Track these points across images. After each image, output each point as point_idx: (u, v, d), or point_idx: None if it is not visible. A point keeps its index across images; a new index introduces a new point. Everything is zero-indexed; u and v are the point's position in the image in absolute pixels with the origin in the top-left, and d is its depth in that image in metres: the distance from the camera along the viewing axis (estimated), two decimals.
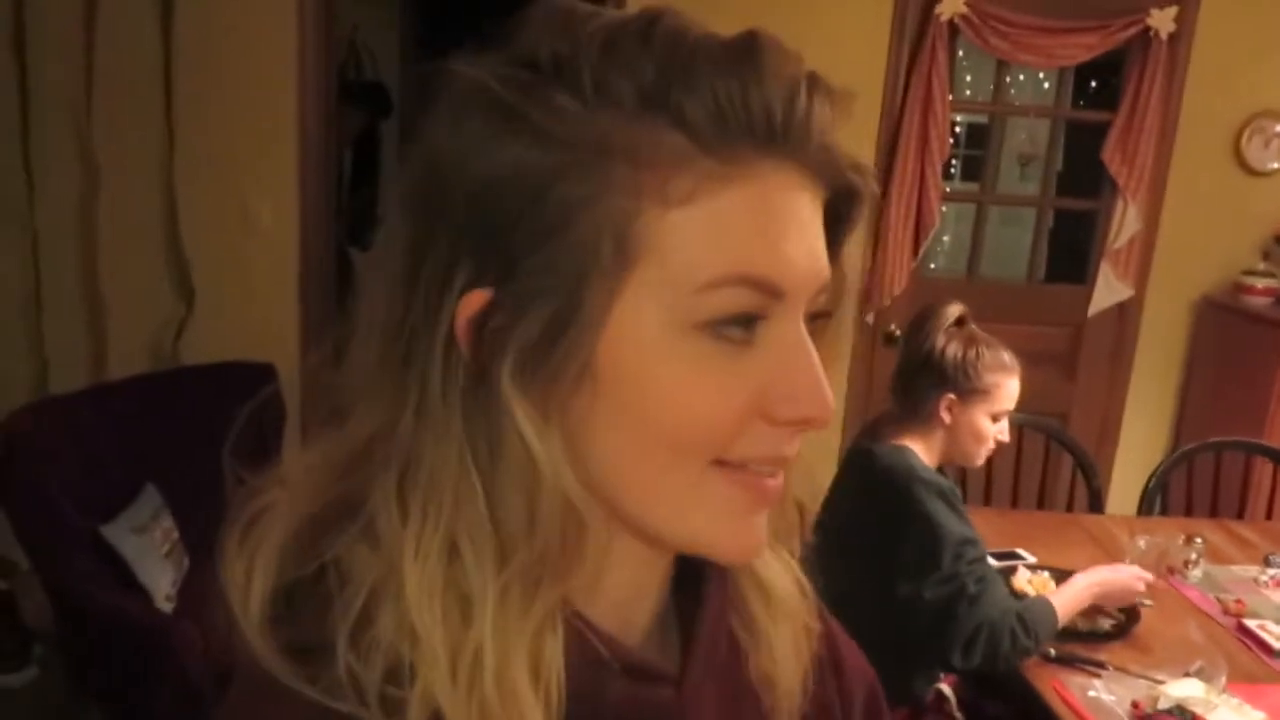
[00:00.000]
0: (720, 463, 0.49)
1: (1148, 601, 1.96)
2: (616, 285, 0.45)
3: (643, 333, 0.46)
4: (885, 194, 3.47)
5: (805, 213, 0.49)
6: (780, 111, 0.46)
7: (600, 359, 0.46)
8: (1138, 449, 3.73)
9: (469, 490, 0.46)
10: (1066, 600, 1.80)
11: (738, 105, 0.45)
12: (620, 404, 0.47)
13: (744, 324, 0.47)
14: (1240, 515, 2.76)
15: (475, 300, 0.46)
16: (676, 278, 0.45)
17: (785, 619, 0.60)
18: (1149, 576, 1.92)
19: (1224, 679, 1.64)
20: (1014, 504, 2.77)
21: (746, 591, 0.60)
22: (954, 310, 1.93)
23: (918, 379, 1.92)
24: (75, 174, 3.12)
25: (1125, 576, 1.88)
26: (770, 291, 0.47)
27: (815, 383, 0.49)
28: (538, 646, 0.47)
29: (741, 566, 0.59)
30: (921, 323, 1.94)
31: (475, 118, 0.46)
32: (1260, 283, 3.48)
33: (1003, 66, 3.65)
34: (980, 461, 1.96)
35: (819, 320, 0.52)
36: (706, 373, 0.47)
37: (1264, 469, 2.83)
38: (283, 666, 0.45)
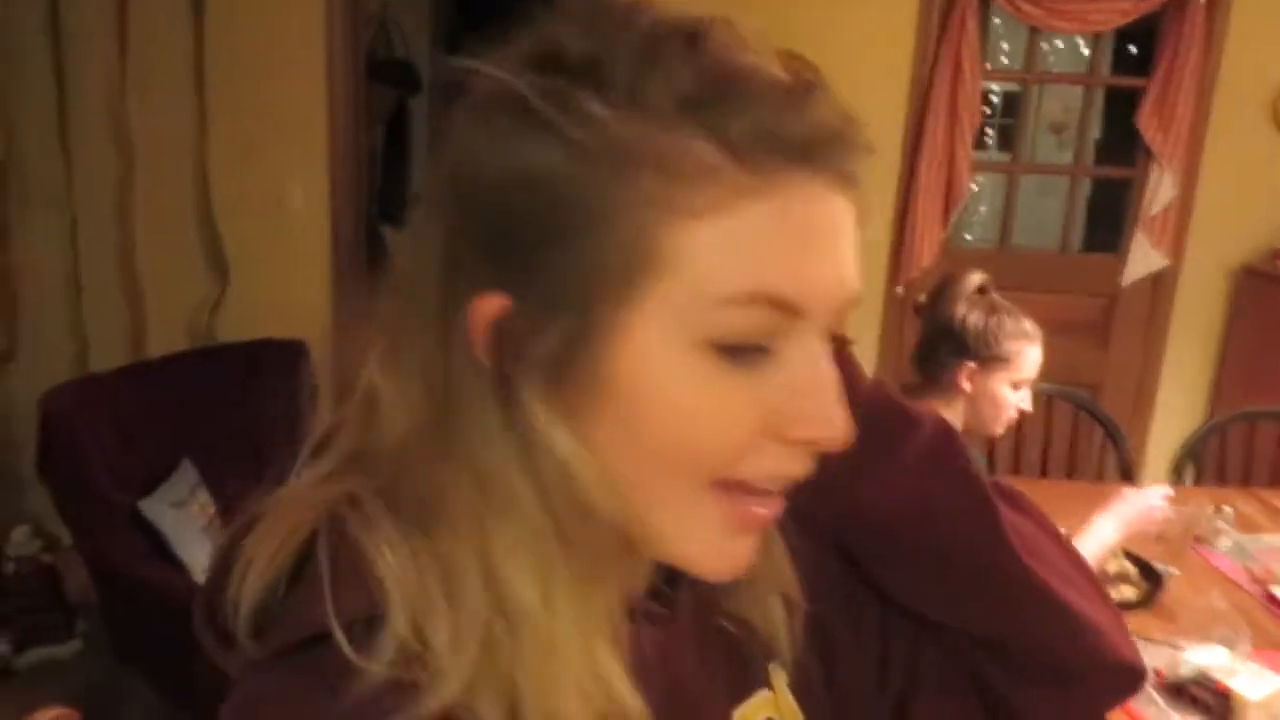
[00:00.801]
0: (719, 483, 0.48)
1: (1175, 570, 1.94)
2: (635, 296, 0.45)
3: (656, 347, 0.45)
4: (914, 166, 3.45)
5: (834, 222, 0.47)
6: (818, 137, 0.46)
7: (614, 371, 0.46)
8: (1173, 419, 3.69)
9: (513, 489, 0.47)
10: (1093, 543, 1.76)
11: (783, 129, 0.44)
12: (628, 418, 0.46)
13: (758, 344, 0.46)
14: (1273, 484, 2.72)
15: (493, 304, 0.46)
16: (694, 292, 0.44)
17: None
18: (1169, 491, 1.88)
19: (1248, 646, 1.63)
20: (1043, 474, 2.76)
21: None
22: (975, 278, 1.92)
23: (938, 347, 1.91)
24: (111, 157, 3.18)
25: (1142, 501, 1.83)
26: (789, 310, 0.46)
27: (829, 404, 0.47)
28: (605, 633, 0.48)
29: None
30: (942, 291, 1.94)
31: (500, 120, 0.45)
32: None
33: (1035, 33, 3.60)
34: (1001, 430, 1.96)
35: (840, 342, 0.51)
36: (716, 394, 0.46)
37: None
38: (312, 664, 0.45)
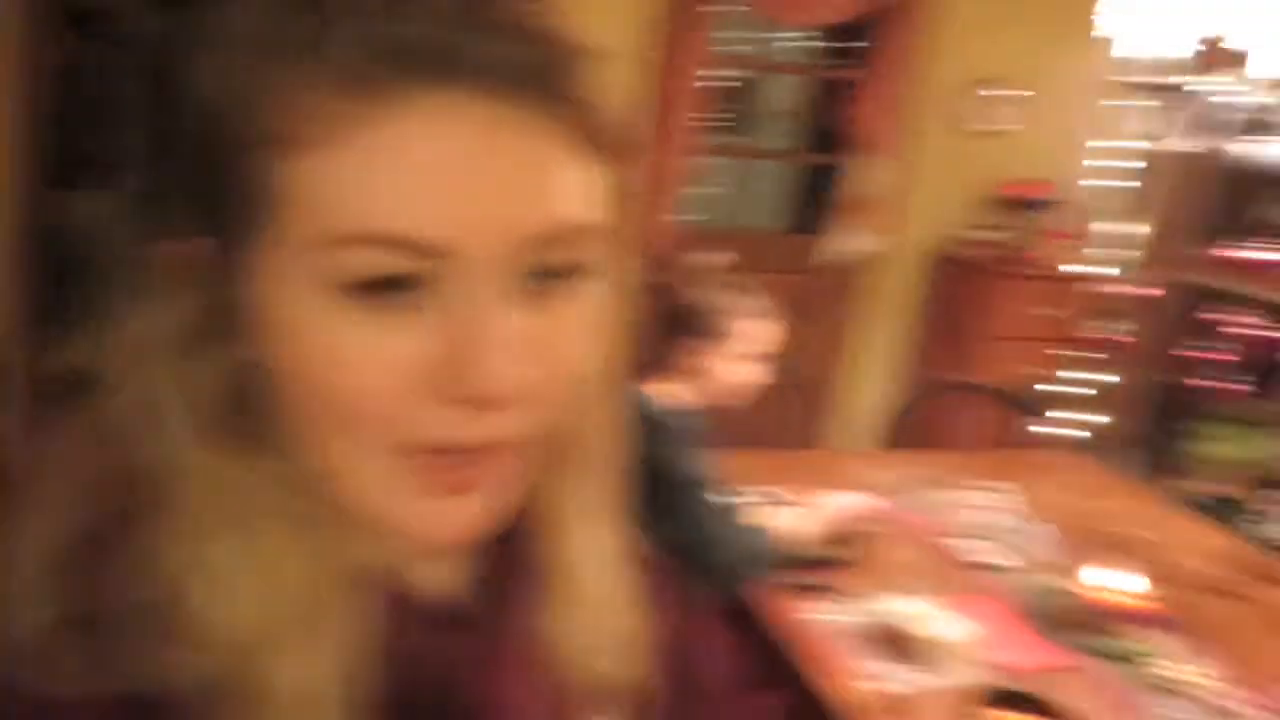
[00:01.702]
0: (405, 449, 0.44)
1: (875, 528, 2.10)
2: (262, 237, 0.43)
3: (292, 292, 0.42)
4: (645, 147, 3.51)
5: (485, 140, 0.42)
6: (425, 42, 0.41)
7: (261, 316, 0.44)
8: (871, 390, 4.00)
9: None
10: (795, 533, 1.91)
11: (378, 41, 0.41)
12: (283, 364, 0.44)
13: (389, 289, 0.42)
14: (958, 448, 3.01)
15: (200, 245, 0.46)
16: (310, 233, 0.42)
17: (580, 604, 0.57)
18: (874, 503, 2.06)
19: (942, 595, 1.79)
20: (759, 445, 2.89)
21: (552, 564, 0.57)
22: (705, 258, 1.98)
23: (670, 326, 1.95)
24: None
25: (849, 504, 2.01)
26: (421, 251, 0.41)
27: (483, 355, 0.42)
28: (315, 575, 0.46)
29: (545, 537, 0.56)
30: (673, 271, 1.98)
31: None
32: (981, 236, 3.82)
33: (763, 24, 3.75)
34: (728, 405, 2.03)
35: (569, 275, 0.45)
36: (357, 341, 0.42)
37: (978, 406, 3.10)
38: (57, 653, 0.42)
